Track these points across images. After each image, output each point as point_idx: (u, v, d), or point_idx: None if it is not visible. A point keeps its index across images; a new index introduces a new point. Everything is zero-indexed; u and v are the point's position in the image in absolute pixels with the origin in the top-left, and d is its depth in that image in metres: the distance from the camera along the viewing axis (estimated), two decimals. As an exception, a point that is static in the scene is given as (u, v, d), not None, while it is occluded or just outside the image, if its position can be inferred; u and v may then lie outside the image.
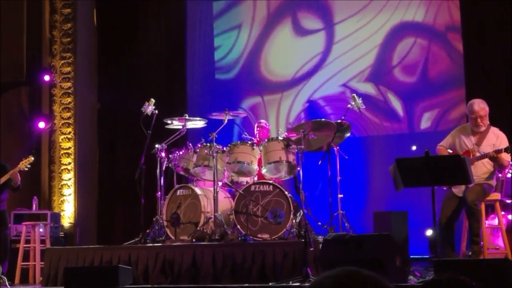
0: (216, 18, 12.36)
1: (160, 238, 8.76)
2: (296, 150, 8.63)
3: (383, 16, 11.14)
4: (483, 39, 10.05)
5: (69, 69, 12.26)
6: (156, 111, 9.19)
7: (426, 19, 10.92)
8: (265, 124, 9.81)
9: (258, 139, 9.43)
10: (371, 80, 11.19)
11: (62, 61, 12.29)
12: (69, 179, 12.03)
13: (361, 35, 11.26)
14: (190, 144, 9.14)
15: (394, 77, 11.12)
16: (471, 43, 10.12)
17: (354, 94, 8.79)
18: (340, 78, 11.38)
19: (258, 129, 9.69)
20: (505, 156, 7.81)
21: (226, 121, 9.06)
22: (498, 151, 7.74)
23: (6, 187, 9.52)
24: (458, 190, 7.86)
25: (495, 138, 7.88)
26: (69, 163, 12.07)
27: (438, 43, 10.88)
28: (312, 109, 11.44)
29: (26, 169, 9.59)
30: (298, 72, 11.68)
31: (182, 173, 9.31)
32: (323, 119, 9.14)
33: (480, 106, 7.93)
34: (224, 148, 8.87)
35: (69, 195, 11.99)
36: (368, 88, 11.13)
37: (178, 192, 8.93)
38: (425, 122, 10.89)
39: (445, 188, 7.99)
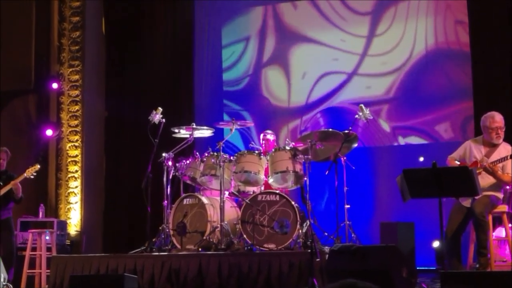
0: (224, 27, 12.37)
1: (166, 247, 8.75)
2: (303, 160, 8.62)
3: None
4: (491, 55, 10.10)
5: (77, 77, 12.29)
6: (164, 120, 9.19)
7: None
8: (271, 134, 9.80)
9: (264, 150, 9.42)
10: (380, 94, 11.21)
11: (70, 69, 12.33)
12: (76, 187, 12.05)
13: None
14: (197, 153, 9.14)
15: (401, 88, 11.11)
16: (479, 60, 10.17)
17: (362, 105, 8.76)
18: (349, 94, 11.41)
19: (263, 141, 9.68)
20: (506, 170, 7.82)
21: (233, 130, 9.06)
22: (503, 159, 7.74)
23: (11, 195, 9.53)
24: (466, 201, 7.85)
25: (505, 152, 7.88)
26: (76, 171, 12.09)
27: (445, 58, 10.87)
28: (323, 118, 11.44)
29: (32, 177, 9.59)
30: (306, 83, 11.71)
31: (188, 182, 9.30)
32: (330, 129, 9.11)
33: (500, 117, 8.01)
34: (231, 158, 8.86)
35: (76, 203, 12.01)
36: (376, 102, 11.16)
37: (185, 201, 8.92)
38: (433, 133, 10.87)
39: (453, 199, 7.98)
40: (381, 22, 11.31)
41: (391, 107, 11.14)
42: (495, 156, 7.91)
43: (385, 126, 11.11)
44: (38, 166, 9.63)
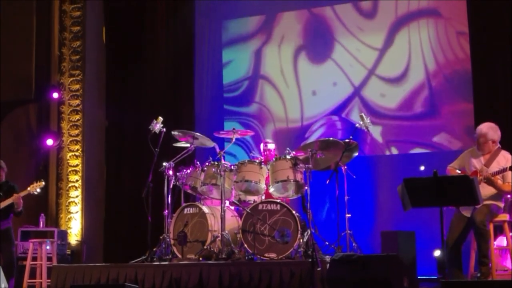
0: (225, 37, 12.38)
1: (167, 257, 8.74)
2: (304, 169, 8.62)
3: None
4: (492, 67, 10.15)
5: (77, 86, 12.31)
6: (164, 129, 9.20)
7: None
8: (271, 143, 9.79)
9: (264, 160, 9.41)
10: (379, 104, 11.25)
11: (71, 79, 12.34)
12: (77, 196, 12.04)
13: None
14: (198, 162, 9.13)
15: (402, 100, 11.13)
16: (480, 71, 10.23)
17: (362, 114, 8.77)
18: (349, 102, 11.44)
19: (265, 152, 9.67)
20: (506, 180, 7.81)
21: (234, 140, 9.06)
22: (502, 170, 7.73)
23: (12, 207, 9.49)
24: (466, 210, 7.84)
25: (505, 161, 7.88)
26: (77, 181, 12.08)
27: (448, 70, 10.90)
28: (325, 127, 11.45)
29: (36, 193, 9.55)
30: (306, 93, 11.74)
31: (189, 191, 9.29)
32: (331, 138, 9.12)
33: (481, 128, 8.03)
34: (232, 167, 8.86)
35: (76, 212, 12.00)
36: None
37: (185, 211, 8.92)
38: (433, 141, 10.88)
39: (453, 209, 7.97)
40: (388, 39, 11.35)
41: (391, 117, 11.16)
42: (494, 165, 7.91)
43: (386, 136, 11.12)
44: (43, 183, 9.60)
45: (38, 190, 9.53)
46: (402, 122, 11.07)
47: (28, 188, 9.45)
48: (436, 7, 11.00)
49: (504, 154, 8.00)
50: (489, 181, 7.80)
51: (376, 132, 10.91)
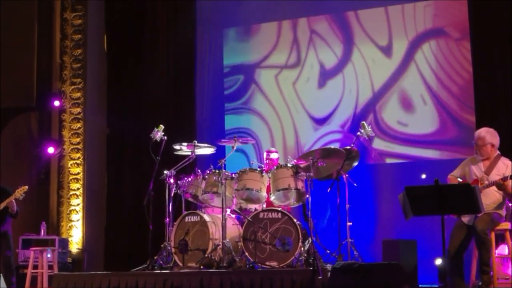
0: (226, 44, 12.39)
1: (168, 265, 8.72)
2: (305, 177, 8.61)
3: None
4: (493, 74, 10.17)
5: (78, 94, 12.32)
6: (165, 137, 9.19)
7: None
8: (274, 153, 9.77)
9: (267, 169, 9.39)
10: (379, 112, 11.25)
11: (72, 87, 12.36)
12: (78, 204, 12.04)
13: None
14: (199, 171, 9.12)
15: (402, 105, 11.13)
16: (481, 76, 10.25)
17: (364, 122, 8.77)
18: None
19: (267, 160, 9.65)
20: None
21: (235, 148, 9.05)
22: (505, 179, 7.72)
23: (7, 210, 9.51)
24: (468, 219, 7.82)
25: (505, 168, 7.87)
26: (78, 189, 12.08)
27: (448, 75, 10.91)
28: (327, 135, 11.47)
29: (21, 198, 9.56)
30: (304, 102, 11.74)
31: (190, 199, 9.28)
32: (332, 146, 9.11)
33: (483, 133, 8.01)
34: (233, 175, 8.85)
35: (77, 220, 11.99)
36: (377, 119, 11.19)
37: (187, 219, 8.90)
38: (434, 150, 10.87)
39: (454, 217, 7.95)
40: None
41: (392, 124, 11.16)
42: (494, 172, 7.89)
43: (388, 144, 11.11)
44: (26, 187, 9.59)
45: (23, 194, 9.55)
46: (403, 130, 11.08)
47: (14, 194, 9.48)
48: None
49: (503, 161, 7.99)
50: (500, 186, 7.77)
51: (377, 143, 10.93)
